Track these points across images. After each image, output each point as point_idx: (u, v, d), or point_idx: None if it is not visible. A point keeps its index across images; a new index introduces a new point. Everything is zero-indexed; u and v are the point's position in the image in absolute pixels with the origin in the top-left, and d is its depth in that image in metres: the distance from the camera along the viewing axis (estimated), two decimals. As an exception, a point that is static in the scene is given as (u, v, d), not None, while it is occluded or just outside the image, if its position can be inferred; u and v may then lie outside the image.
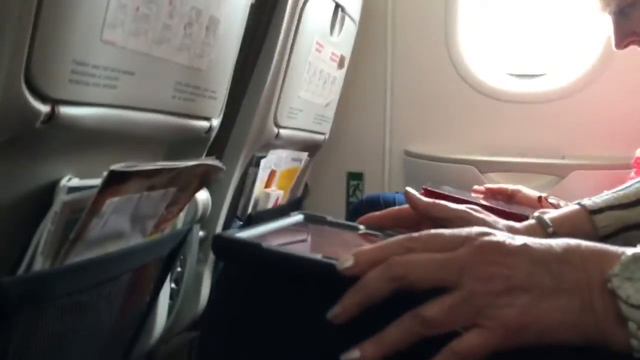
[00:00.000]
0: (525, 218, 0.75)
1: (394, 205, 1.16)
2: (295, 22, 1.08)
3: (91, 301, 0.66)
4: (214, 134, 0.89)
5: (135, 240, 0.74)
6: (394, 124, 1.66)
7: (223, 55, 0.84)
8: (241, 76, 1.02)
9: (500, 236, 0.40)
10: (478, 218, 0.62)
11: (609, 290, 0.36)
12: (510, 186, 1.19)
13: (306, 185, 1.53)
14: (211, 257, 1.12)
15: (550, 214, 0.64)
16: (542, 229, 0.62)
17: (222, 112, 0.91)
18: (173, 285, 0.99)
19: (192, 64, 0.77)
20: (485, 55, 1.63)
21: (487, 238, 0.40)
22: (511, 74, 1.62)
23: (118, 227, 0.68)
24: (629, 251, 0.37)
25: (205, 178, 0.85)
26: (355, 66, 1.52)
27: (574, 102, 1.52)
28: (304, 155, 1.40)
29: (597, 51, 1.49)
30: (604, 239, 0.62)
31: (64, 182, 0.62)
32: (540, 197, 1.12)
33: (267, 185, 1.27)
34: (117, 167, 0.58)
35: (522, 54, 1.64)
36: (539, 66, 1.63)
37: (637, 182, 0.64)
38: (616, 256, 0.37)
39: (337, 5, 1.23)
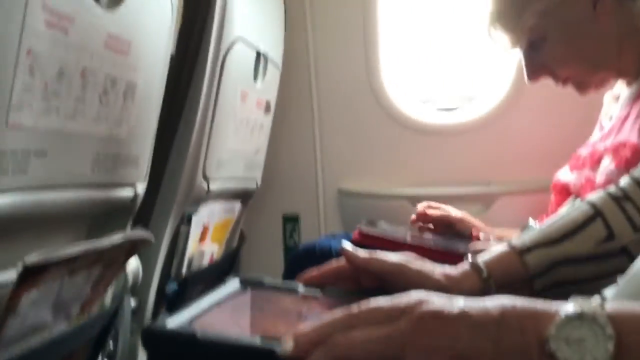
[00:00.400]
0: (459, 256, 0.75)
1: (331, 253, 1.15)
2: (218, 72, 1.06)
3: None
4: (139, 200, 0.85)
5: (60, 327, 0.68)
6: (325, 163, 1.66)
7: (144, 118, 0.80)
8: (165, 134, 0.98)
9: (438, 302, 0.40)
10: (414, 271, 0.61)
11: (548, 353, 0.36)
12: (453, 211, 1.21)
13: (242, 234, 1.49)
14: (146, 323, 1.06)
15: (482, 258, 0.64)
16: (477, 274, 0.63)
17: (147, 175, 0.87)
18: (106, 362, 0.93)
19: (111, 133, 0.73)
20: (407, 90, 1.66)
21: (425, 308, 0.39)
22: (438, 108, 1.66)
23: (39, 320, 0.62)
24: (562, 310, 0.37)
25: (134, 248, 0.80)
26: (283, 109, 1.52)
27: (494, 130, 1.57)
28: (237, 205, 1.37)
29: (510, 80, 1.56)
30: (535, 277, 0.63)
31: (-27, 279, 0.56)
32: (471, 234, 1.14)
33: (201, 240, 1.22)
34: (31, 260, 0.53)
35: (441, 87, 1.69)
36: (459, 97, 1.68)
37: (560, 219, 0.66)
38: (551, 316, 0.37)
39: (259, 53, 1.22)
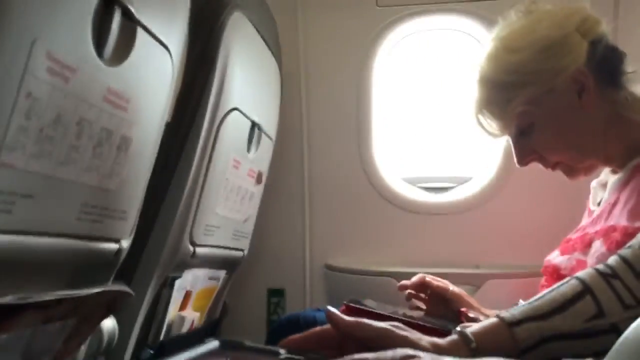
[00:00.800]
0: (447, 333, 0.74)
1: (315, 324, 1.12)
2: (212, 139, 1.08)
3: None
4: (123, 256, 0.84)
5: (26, 381, 0.65)
6: (313, 238, 1.66)
7: (135, 174, 0.81)
8: (155, 193, 0.99)
9: (425, 358, 0.39)
10: (400, 336, 0.60)
11: None
12: (451, 287, 1.19)
13: (225, 304, 1.46)
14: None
15: (472, 328, 0.63)
16: (465, 344, 0.62)
17: (133, 232, 0.87)
18: None
19: (101, 184, 0.73)
20: (397, 168, 1.70)
21: None
22: (423, 187, 1.69)
23: (5, 369, 0.60)
24: None
25: (112, 305, 0.78)
26: (274, 181, 1.54)
27: (483, 212, 1.59)
28: (222, 274, 1.35)
29: (500, 162, 1.60)
30: (525, 351, 0.62)
31: (-59, 319, 0.54)
32: (460, 311, 1.13)
33: (182, 307, 1.19)
34: (4, 300, 0.52)
35: (432, 168, 1.72)
36: (449, 177, 1.71)
37: (548, 292, 0.66)
38: None
39: (254, 124, 1.25)
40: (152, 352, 1.08)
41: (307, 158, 1.67)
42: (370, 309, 1.06)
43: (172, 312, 1.14)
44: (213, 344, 0.64)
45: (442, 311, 1.17)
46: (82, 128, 0.66)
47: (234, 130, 1.15)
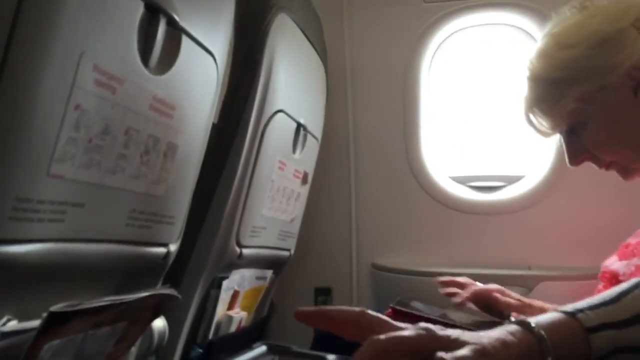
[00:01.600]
0: None
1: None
2: (257, 142, 1.09)
3: None
4: (171, 260, 0.86)
5: (79, 383, 0.67)
6: (360, 237, 1.65)
7: (181, 180, 0.83)
8: (202, 197, 1.01)
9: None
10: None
11: None
12: (514, 296, 1.16)
13: (272, 303, 1.47)
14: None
15: (542, 326, 0.56)
16: (540, 347, 0.55)
17: (181, 235, 0.88)
18: None
19: (148, 191, 0.75)
20: (446, 167, 1.66)
21: None
22: (473, 186, 1.65)
23: (58, 372, 0.62)
24: None
25: (160, 307, 0.80)
26: (320, 180, 1.54)
27: (536, 212, 1.54)
28: (269, 273, 1.36)
29: (553, 162, 1.54)
30: (596, 358, 0.58)
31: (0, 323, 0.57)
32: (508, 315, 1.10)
33: (230, 306, 1.21)
34: (57, 307, 0.54)
35: (480, 164, 1.68)
36: (500, 176, 1.66)
37: (623, 295, 0.60)
38: None
39: (299, 125, 1.25)
40: (201, 351, 1.10)
41: (354, 157, 1.66)
42: (417, 312, 1.05)
43: (221, 311, 1.16)
44: (261, 349, 0.65)
45: (490, 312, 1.15)
46: (130, 137, 0.67)
47: (279, 132, 1.16)
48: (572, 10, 0.96)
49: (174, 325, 0.99)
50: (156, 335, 0.90)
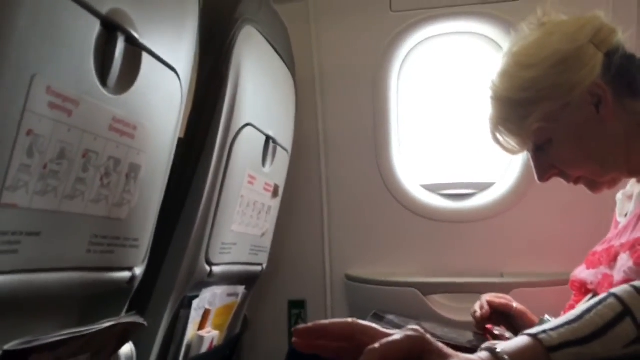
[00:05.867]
0: (473, 350, 0.69)
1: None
2: (226, 157, 1.07)
3: None
4: (137, 283, 0.83)
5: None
6: (333, 248, 1.63)
7: (145, 200, 0.80)
8: (168, 215, 0.98)
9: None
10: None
11: None
12: (515, 304, 1.15)
13: (245, 318, 1.45)
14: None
15: (505, 348, 0.59)
16: None
17: (147, 258, 0.85)
18: None
19: (110, 214, 0.72)
20: (416, 176, 1.66)
21: None
22: (443, 194, 1.65)
23: (16, 411, 0.58)
24: None
25: (125, 334, 0.77)
26: (291, 192, 1.52)
27: (506, 220, 1.55)
28: (241, 289, 1.33)
29: (522, 168, 1.55)
30: None
31: (-52, 365, 0.53)
32: (485, 328, 1.09)
33: (202, 325, 1.18)
34: (11, 345, 0.51)
35: (450, 172, 1.68)
36: (470, 184, 1.67)
37: (587, 312, 0.62)
38: None
39: (268, 138, 1.23)
40: (171, 375, 1.07)
41: (325, 167, 1.64)
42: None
43: (191, 332, 1.13)
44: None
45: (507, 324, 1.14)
46: (89, 160, 0.65)
47: (248, 145, 1.13)
48: (530, 26, 0.97)
49: (143, 349, 0.96)
50: (123, 361, 0.87)
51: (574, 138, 0.93)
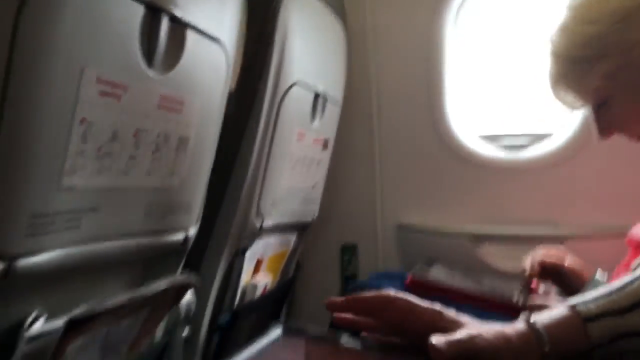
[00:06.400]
0: (514, 307, 0.70)
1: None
2: (274, 115, 1.09)
3: None
4: (191, 242, 0.89)
5: (109, 365, 0.73)
6: (385, 196, 1.66)
7: (196, 168, 0.85)
8: (220, 176, 1.03)
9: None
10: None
11: None
12: (569, 260, 1.15)
13: (298, 263, 1.52)
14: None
15: (544, 321, 0.61)
16: (537, 343, 0.59)
17: (199, 219, 0.91)
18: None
19: (163, 184, 0.77)
20: (471, 125, 1.63)
21: None
22: (505, 146, 1.62)
23: (87, 361, 0.67)
24: None
25: (182, 290, 0.84)
26: (344, 141, 1.53)
27: (563, 169, 1.51)
28: (293, 237, 1.40)
29: (582, 118, 1.49)
30: (596, 347, 0.60)
31: (26, 325, 0.61)
32: (532, 288, 1.09)
33: (255, 272, 1.26)
34: (76, 314, 0.58)
35: (509, 124, 1.64)
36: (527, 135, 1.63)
37: (629, 283, 0.62)
38: None
39: (317, 94, 1.24)
40: (229, 317, 1.15)
41: (377, 117, 1.64)
42: (436, 284, 1.07)
43: (245, 278, 1.20)
44: (276, 333, 0.68)
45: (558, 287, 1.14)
46: (139, 138, 0.69)
47: (296, 104, 1.15)
48: None
49: (201, 295, 1.04)
50: (184, 307, 0.95)
51: (635, 97, 0.89)
